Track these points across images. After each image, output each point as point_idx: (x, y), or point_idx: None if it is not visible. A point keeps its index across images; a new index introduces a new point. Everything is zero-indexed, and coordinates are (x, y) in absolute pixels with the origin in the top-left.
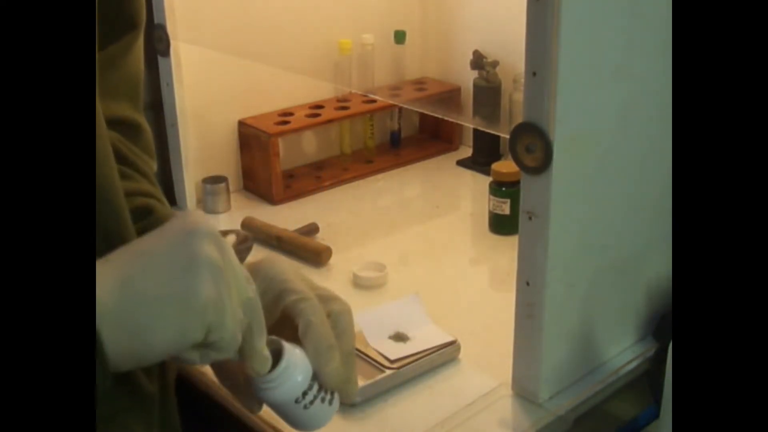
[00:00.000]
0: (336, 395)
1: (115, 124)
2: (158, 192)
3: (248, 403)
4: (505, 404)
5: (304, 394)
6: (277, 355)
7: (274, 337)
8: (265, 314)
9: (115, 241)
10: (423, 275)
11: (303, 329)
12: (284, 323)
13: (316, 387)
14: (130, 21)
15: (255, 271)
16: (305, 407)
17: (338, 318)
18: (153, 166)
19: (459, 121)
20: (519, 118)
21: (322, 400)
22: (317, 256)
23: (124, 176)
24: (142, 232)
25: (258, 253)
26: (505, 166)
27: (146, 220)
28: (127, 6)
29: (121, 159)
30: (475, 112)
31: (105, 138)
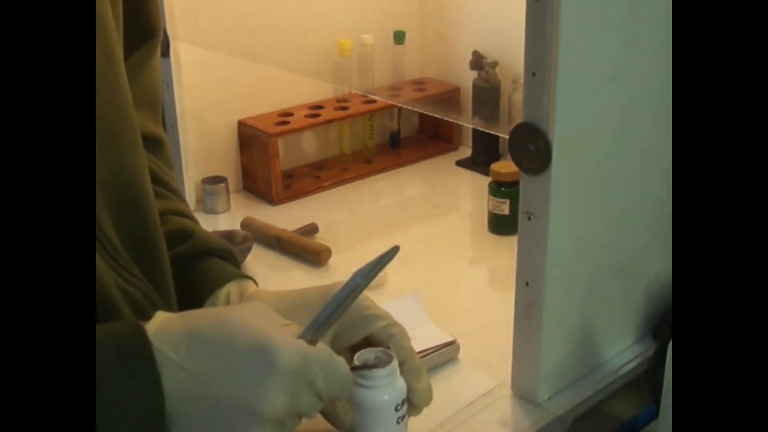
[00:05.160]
0: None
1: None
2: (189, 209)
3: (338, 421)
4: (505, 404)
5: (403, 402)
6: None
7: (384, 349)
8: (345, 337)
9: (150, 256)
10: (423, 275)
11: (398, 352)
12: (363, 344)
13: (406, 405)
14: (149, 29)
15: (329, 295)
16: (398, 422)
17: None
18: (174, 178)
19: (459, 122)
20: (518, 119)
21: (405, 422)
22: (317, 256)
23: (157, 195)
24: (182, 257)
25: (258, 254)
26: (505, 166)
27: (186, 243)
28: (146, 13)
29: (153, 178)
30: (475, 113)
31: (140, 152)
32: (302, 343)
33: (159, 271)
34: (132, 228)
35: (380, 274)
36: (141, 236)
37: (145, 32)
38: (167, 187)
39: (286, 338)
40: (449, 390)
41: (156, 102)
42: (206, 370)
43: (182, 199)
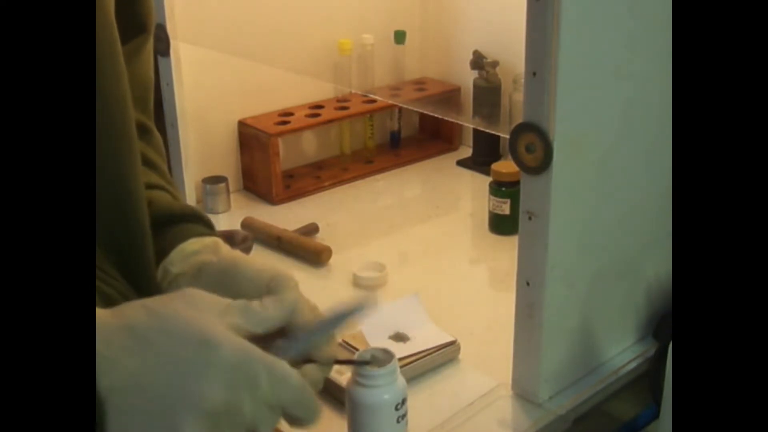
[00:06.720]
0: None
1: None
2: (164, 181)
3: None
4: (505, 404)
5: (403, 401)
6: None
7: (384, 348)
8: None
9: (130, 253)
10: (423, 275)
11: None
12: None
13: (407, 404)
14: (140, 25)
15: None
16: (398, 421)
17: None
18: (164, 168)
19: (459, 121)
20: (519, 118)
21: (406, 421)
22: (317, 256)
23: None
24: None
25: (258, 253)
26: (505, 166)
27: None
28: (137, 10)
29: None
30: (475, 112)
31: (134, 148)
32: (244, 340)
33: (140, 267)
34: (111, 226)
35: (380, 274)
36: (121, 233)
37: (134, 27)
38: (148, 163)
39: (227, 333)
40: (449, 390)
41: (145, 97)
42: (142, 362)
43: (161, 175)
